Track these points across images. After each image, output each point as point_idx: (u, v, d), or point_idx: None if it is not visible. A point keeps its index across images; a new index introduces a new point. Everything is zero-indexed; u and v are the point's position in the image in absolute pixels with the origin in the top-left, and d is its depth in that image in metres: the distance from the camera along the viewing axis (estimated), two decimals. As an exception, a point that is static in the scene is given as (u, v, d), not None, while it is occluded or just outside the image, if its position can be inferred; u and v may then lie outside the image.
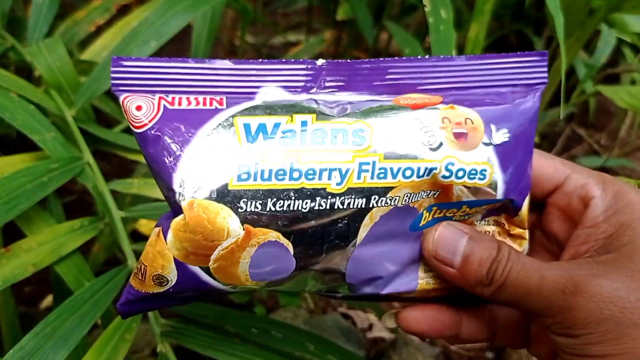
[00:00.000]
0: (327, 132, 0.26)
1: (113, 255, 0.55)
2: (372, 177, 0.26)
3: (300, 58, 0.82)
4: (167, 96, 0.26)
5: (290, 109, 0.26)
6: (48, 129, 0.44)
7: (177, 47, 0.70)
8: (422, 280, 0.29)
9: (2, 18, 0.55)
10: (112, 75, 0.26)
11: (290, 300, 0.57)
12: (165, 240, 0.26)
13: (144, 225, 0.62)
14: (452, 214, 0.28)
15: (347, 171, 0.25)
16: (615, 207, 0.27)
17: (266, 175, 0.25)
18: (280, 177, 0.25)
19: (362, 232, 0.26)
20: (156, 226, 0.27)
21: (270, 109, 0.26)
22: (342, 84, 0.28)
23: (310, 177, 0.25)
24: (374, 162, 0.26)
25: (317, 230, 0.26)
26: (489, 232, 0.29)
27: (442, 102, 0.27)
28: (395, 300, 0.30)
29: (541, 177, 0.29)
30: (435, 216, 0.28)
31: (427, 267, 0.29)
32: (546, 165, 0.29)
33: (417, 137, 0.26)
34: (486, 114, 0.27)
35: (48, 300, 0.59)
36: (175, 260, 0.26)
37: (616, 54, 0.97)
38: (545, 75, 0.29)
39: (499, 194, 0.27)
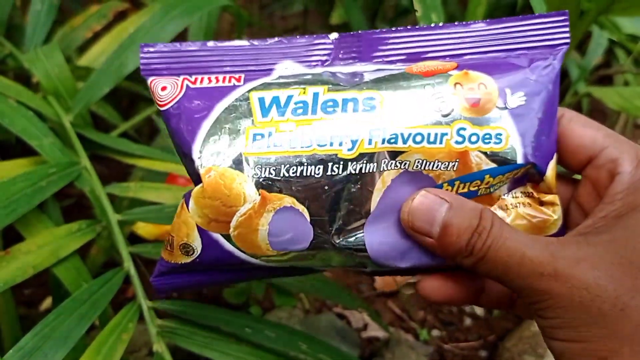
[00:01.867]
0: (338, 102, 0.27)
1: (111, 258, 0.56)
2: (382, 143, 0.26)
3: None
4: (190, 77, 0.28)
5: (304, 82, 0.28)
6: (46, 134, 0.45)
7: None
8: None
9: (1, 25, 0.56)
10: (141, 61, 0.29)
11: (285, 300, 0.58)
12: (188, 209, 0.27)
13: (141, 228, 0.63)
14: (476, 187, 0.28)
15: (357, 137, 0.26)
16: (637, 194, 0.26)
17: (279, 143, 0.26)
18: (292, 145, 0.26)
19: (375, 197, 0.27)
20: (182, 198, 0.28)
21: (284, 82, 0.28)
22: (355, 54, 0.29)
23: (321, 144, 0.26)
24: (384, 129, 0.26)
25: (331, 195, 0.27)
26: (519, 205, 0.29)
27: (455, 69, 0.27)
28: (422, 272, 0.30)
29: (577, 147, 0.28)
30: (459, 192, 0.27)
31: None
32: (585, 135, 0.28)
33: (428, 104, 0.27)
34: (500, 78, 0.27)
35: (47, 302, 0.60)
36: (198, 228, 0.27)
37: (609, 55, 0.98)
38: (567, 35, 0.28)
39: (519, 158, 0.27)
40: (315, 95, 0.27)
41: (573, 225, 0.29)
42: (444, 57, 0.28)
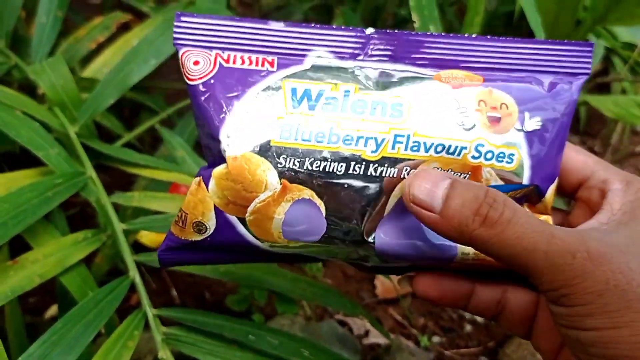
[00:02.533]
0: (367, 103, 0.27)
1: (115, 266, 0.57)
2: (405, 149, 0.27)
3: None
4: (223, 53, 0.28)
5: (336, 76, 0.28)
6: (52, 145, 0.46)
7: (176, 62, 0.72)
8: (459, 257, 0.29)
9: (6, 37, 0.57)
10: (175, 30, 0.29)
11: (287, 307, 0.58)
12: (207, 189, 0.28)
13: (145, 236, 0.64)
14: None
15: (382, 141, 0.27)
16: (635, 204, 0.27)
17: (306, 136, 0.27)
18: (319, 139, 0.27)
19: (392, 202, 0.28)
20: (196, 176, 0.28)
21: (317, 74, 0.28)
22: (388, 53, 0.29)
23: (347, 142, 0.27)
24: (408, 135, 0.27)
25: (349, 194, 0.27)
26: None
27: (481, 84, 0.28)
28: (419, 270, 0.31)
29: (570, 170, 0.30)
30: None
31: (465, 255, 0.29)
32: (577, 160, 0.30)
33: (452, 116, 0.28)
34: (522, 101, 0.28)
35: (52, 310, 0.61)
36: (215, 208, 0.28)
37: (607, 63, 0.99)
38: (589, 65, 0.29)
39: (525, 179, 0.28)
40: (347, 93, 0.28)
41: None
42: (473, 68, 0.29)
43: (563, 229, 0.25)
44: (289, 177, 0.27)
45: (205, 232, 0.29)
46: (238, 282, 0.54)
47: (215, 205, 0.28)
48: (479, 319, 0.67)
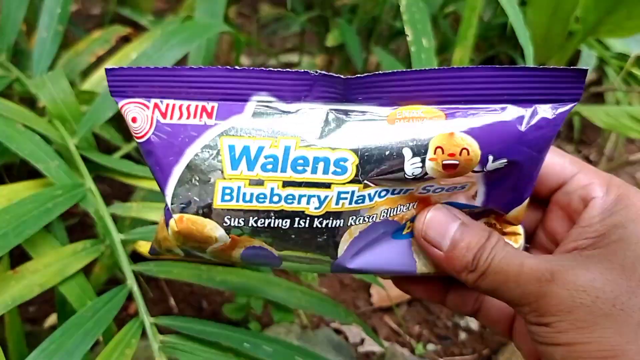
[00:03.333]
0: (309, 161, 0.27)
1: (114, 276, 0.57)
2: (350, 203, 0.27)
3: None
4: (161, 102, 0.28)
5: (277, 127, 0.27)
6: (52, 157, 0.46)
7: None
8: (420, 270, 0.30)
9: (8, 51, 0.58)
10: (109, 83, 0.28)
11: (283, 316, 0.59)
12: (168, 232, 0.29)
13: (143, 246, 0.65)
14: None
15: (325, 198, 0.27)
16: (614, 209, 0.27)
17: (247, 198, 0.27)
18: (261, 200, 0.27)
19: (342, 246, 0.28)
20: (164, 212, 0.29)
21: (257, 125, 0.27)
22: (335, 94, 0.27)
23: (289, 201, 0.27)
24: (352, 192, 0.27)
25: (298, 242, 0.28)
26: None
27: (442, 125, 0.26)
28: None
29: (547, 174, 0.29)
30: None
31: (424, 267, 0.29)
32: (554, 163, 0.29)
33: (402, 170, 0.26)
34: (487, 144, 0.26)
35: (52, 319, 0.62)
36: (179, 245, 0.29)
37: (600, 73, 1.00)
38: (580, 92, 0.26)
39: (478, 202, 0.28)
40: (287, 149, 0.27)
41: (540, 249, 0.31)
42: (433, 102, 0.26)
43: (535, 258, 0.27)
44: (236, 232, 0.28)
45: (178, 254, 0.31)
46: (234, 291, 0.55)
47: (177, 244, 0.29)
48: (473, 326, 0.68)
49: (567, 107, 0.26)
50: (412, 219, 0.29)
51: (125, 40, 0.68)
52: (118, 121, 0.70)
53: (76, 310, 0.41)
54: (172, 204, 0.28)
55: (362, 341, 0.65)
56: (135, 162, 0.56)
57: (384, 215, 0.28)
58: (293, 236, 0.28)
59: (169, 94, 0.28)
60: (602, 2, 0.66)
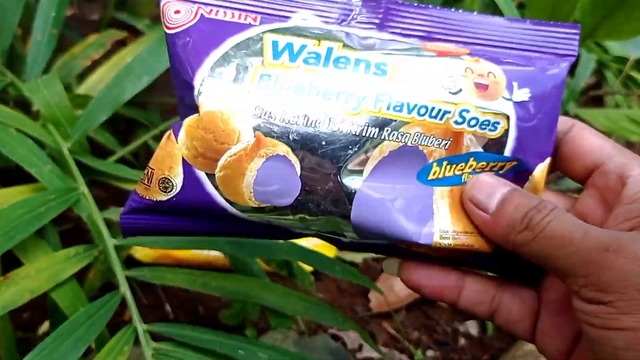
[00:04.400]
0: (350, 60, 0.27)
1: (108, 282, 0.57)
2: (387, 108, 0.26)
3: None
4: (205, 7, 0.28)
5: (320, 34, 0.28)
6: (45, 161, 0.46)
7: (168, 77, 0.73)
8: (437, 238, 0.28)
9: (2, 55, 0.58)
10: None
11: (281, 321, 0.58)
12: (177, 140, 0.27)
13: (139, 252, 0.64)
14: (460, 171, 0.28)
15: (364, 98, 0.26)
16: None
17: (285, 87, 0.26)
18: (298, 92, 0.26)
19: (370, 165, 0.27)
20: (169, 130, 0.27)
21: (300, 31, 0.28)
22: (375, 22, 0.29)
23: (327, 97, 0.26)
24: (391, 95, 0.26)
25: (327, 152, 0.26)
26: None
27: (468, 54, 0.28)
28: (401, 254, 0.30)
29: (584, 153, 0.28)
30: (446, 174, 0.28)
31: (444, 233, 0.28)
32: (594, 143, 0.28)
33: (437, 79, 0.27)
34: (510, 72, 0.28)
35: (45, 325, 0.61)
36: (184, 162, 0.27)
37: (599, 77, 1.00)
38: (576, 47, 0.29)
39: (508, 150, 0.28)
40: (329, 49, 0.27)
41: None
42: (460, 42, 0.29)
43: (599, 229, 0.24)
44: (264, 129, 0.26)
45: (171, 190, 0.27)
46: (230, 297, 0.55)
47: (183, 159, 0.26)
48: (473, 332, 0.68)
49: (570, 60, 0.29)
50: (440, 162, 0.27)
51: (121, 44, 0.68)
52: (115, 125, 0.70)
53: (68, 317, 0.40)
54: (201, 85, 0.26)
55: (361, 347, 0.64)
56: (130, 166, 0.56)
57: (416, 140, 0.27)
58: (324, 143, 0.26)
59: (215, 1, 0.28)
60: (601, 5, 0.65)
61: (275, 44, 0.27)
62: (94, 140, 0.59)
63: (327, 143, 0.26)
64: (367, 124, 0.26)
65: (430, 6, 0.29)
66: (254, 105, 0.26)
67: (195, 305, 0.67)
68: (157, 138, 0.62)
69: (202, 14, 0.28)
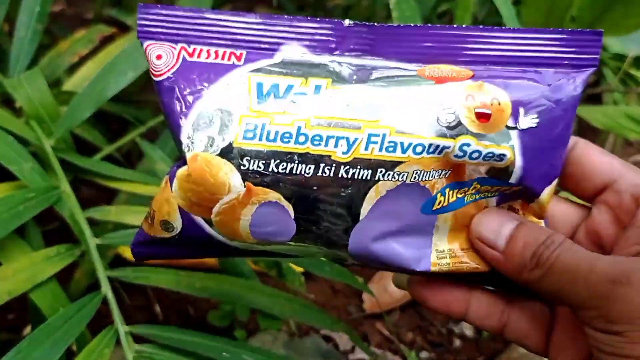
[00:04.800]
0: (339, 99, 0.25)
1: (95, 282, 0.56)
2: (380, 150, 0.25)
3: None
4: (188, 47, 0.27)
5: (307, 71, 0.26)
6: (26, 159, 0.45)
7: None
8: (434, 267, 0.28)
9: (-13, 51, 0.57)
10: (139, 22, 0.27)
11: (271, 323, 0.57)
12: (172, 189, 0.26)
13: (128, 251, 0.63)
14: (462, 194, 0.27)
15: (354, 141, 0.25)
16: None
17: (272, 137, 0.25)
18: (285, 140, 0.25)
19: (367, 205, 0.26)
20: (167, 174, 0.27)
21: (286, 68, 0.26)
22: (367, 46, 0.27)
23: (316, 142, 0.25)
24: (384, 135, 0.25)
25: (320, 197, 0.26)
26: None
27: (471, 78, 0.26)
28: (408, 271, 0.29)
29: (593, 171, 0.28)
30: (450, 200, 0.27)
31: (440, 253, 0.28)
32: (601, 161, 0.28)
33: (434, 113, 0.25)
34: (517, 96, 0.26)
35: (30, 327, 0.60)
36: (180, 209, 0.27)
37: (597, 74, 0.99)
38: (597, 57, 0.26)
39: (514, 178, 0.26)
40: (317, 88, 0.26)
41: None
42: (462, 62, 0.27)
43: (606, 258, 0.25)
44: (254, 179, 0.25)
45: (172, 230, 0.27)
46: (217, 298, 0.53)
47: (179, 206, 0.27)
48: (468, 333, 0.66)
49: (589, 71, 0.26)
50: (443, 191, 0.27)
51: (111, 40, 0.67)
52: (107, 123, 0.69)
53: (48, 319, 0.39)
54: (188, 139, 0.26)
55: (353, 349, 0.63)
56: (117, 164, 0.54)
57: (415, 177, 0.26)
58: (315, 188, 0.26)
59: (197, 38, 0.27)
60: (599, 1, 0.64)
61: (260, 86, 0.26)
62: (82, 138, 0.57)
63: (318, 188, 0.26)
64: (359, 167, 0.25)
65: (428, 25, 0.27)
66: (240, 157, 0.25)
67: (185, 306, 0.66)
68: (145, 136, 0.61)
69: (184, 58, 0.27)
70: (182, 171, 0.26)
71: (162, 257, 0.30)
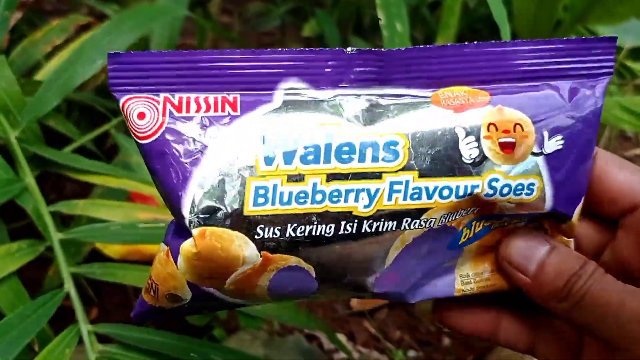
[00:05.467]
0: (354, 147, 0.23)
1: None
2: (404, 199, 0.23)
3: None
4: (172, 96, 0.23)
5: (313, 117, 0.23)
6: (-13, 150, 0.43)
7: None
8: (458, 293, 0.27)
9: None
10: (110, 74, 0.23)
11: (251, 322, 0.55)
12: (176, 264, 0.23)
13: (107, 248, 0.61)
14: (489, 223, 0.26)
15: (376, 192, 0.23)
16: None
17: (285, 199, 0.22)
18: (301, 201, 0.23)
19: (392, 255, 0.24)
20: (164, 243, 0.24)
21: (289, 117, 0.23)
22: (374, 75, 0.24)
23: (335, 199, 0.23)
24: (407, 182, 0.23)
25: (342, 254, 0.24)
26: None
27: (489, 103, 0.24)
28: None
29: (616, 194, 0.26)
30: (476, 231, 0.26)
31: (464, 278, 0.27)
32: (624, 182, 0.26)
33: (457, 150, 0.23)
34: (539, 118, 0.24)
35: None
36: (189, 282, 0.24)
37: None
38: (612, 64, 0.25)
39: (547, 207, 0.25)
40: (329, 136, 0.23)
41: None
42: (477, 82, 0.24)
43: (636, 294, 0.23)
44: (270, 247, 0.23)
45: (181, 301, 0.25)
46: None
47: (188, 280, 0.24)
48: (457, 332, 0.65)
49: (606, 79, 0.25)
50: (469, 224, 0.25)
51: (87, 29, 0.65)
52: (89, 115, 0.66)
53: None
54: (191, 213, 0.22)
55: (337, 348, 0.61)
56: (90, 157, 0.52)
57: (442, 221, 0.24)
58: (337, 247, 0.23)
59: (180, 85, 0.23)
60: (591, -13, 0.63)
61: (265, 140, 0.23)
62: (52, 129, 0.55)
63: (341, 247, 0.23)
64: (383, 220, 0.23)
65: (434, 46, 0.24)
66: (253, 226, 0.23)
67: (165, 304, 0.64)
68: (118, 127, 0.59)
69: (171, 113, 0.23)
70: (188, 247, 0.23)
71: (167, 320, 0.28)
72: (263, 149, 0.23)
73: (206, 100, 0.23)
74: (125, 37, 0.47)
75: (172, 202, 0.23)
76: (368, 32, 0.85)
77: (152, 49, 0.58)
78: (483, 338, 0.28)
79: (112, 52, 0.23)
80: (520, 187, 0.24)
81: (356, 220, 0.23)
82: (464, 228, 0.25)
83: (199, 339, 0.37)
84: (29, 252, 0.41)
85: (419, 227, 0.24)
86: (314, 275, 0.24)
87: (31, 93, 0.51)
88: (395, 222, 0.23)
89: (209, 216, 0.22)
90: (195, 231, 0.22)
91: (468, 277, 0.27)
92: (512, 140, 0.24)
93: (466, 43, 0.24)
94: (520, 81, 0.24)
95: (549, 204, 0.24)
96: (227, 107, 0.23)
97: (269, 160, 0.23)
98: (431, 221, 0.24)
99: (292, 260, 0.23)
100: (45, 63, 0.60)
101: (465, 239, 0.26)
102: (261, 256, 0.23)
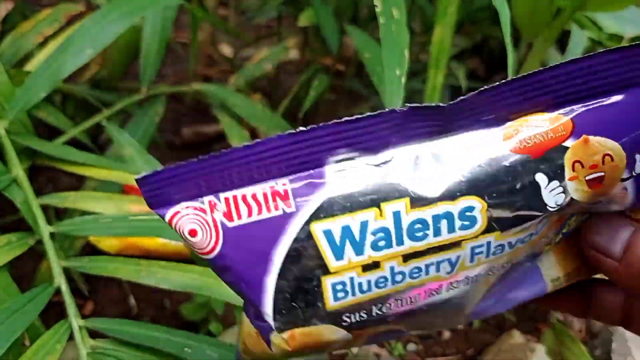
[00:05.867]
0: (427, 223, 0.21)
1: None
2: (487, 256, 0.22)
3: (264, 66, 0.80)
4: (218, 199, 0.21)
5: (375, 194, 0.21)
6: (-26, 142, 0.42)
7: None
8: (550, 289, 0.26)
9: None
10: (144, 193, 0.21)
11: (248, 315, 0.54)
12: (270, 348, 0.23)
13: (102, 242, 0.60)
14: (566, 229, 0.25)
15: (457, 259, 0.22)
16: None
17: (365, 287, 0.22)
18: (381, 285, 0.22)
19: (477, 296, 0.24)
20: (253, 325, 0.23)
21: (349, 200, 0.21)
22: (432, 129, 0.22)
23: (415, 275, 0.22)
24: (488, 243, 0.22)
25: (429, 312, 0.23)
26: None
27: (571, 135, 0.21)
28: None
29: None
30: (555, 241, 0.25)
31: (555, 281, 0.26)
32: None
33: (541, 200, 0.21)
34: (628, 141, 0.21)
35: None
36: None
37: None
38: None
39: (627, 203, 0.23)
40: (397, 216, 0.21)
41: None
42: (553, 105, 0.22)
43: None
44: (359, 327, 0.23)
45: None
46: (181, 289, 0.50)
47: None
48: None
49: None
50: (550, 241, 0.25)
51: (78, 19, 0.64)
52: (88, 108, 0.65)
53: (-5, 312, 0.36)
54: (275, 321, 0.22)
55: (336, 341, 0.60)
56: (83, 149, 0.51)
57: (524, 255, 0.24)
58: (425, 308, 0.23)
59: (224, 184, 0.21)
60: (591, -26, 0.61)
61: (329, 236, 0.21)
62: (43, 120, 0.54)
63: (427, 307, 0.23)
64: (466, 279, 0.23)
65: (499, 84, 0.21)
66: (339, 318, 0.22)
67: (161, 298, 0.63)
68: (110, 118, 0.58)
69: (223, 225, 0.21)
70: (280, 343, 0.23)
71: None
72: (330, 245, 0.21)
73: (254, 197, 0.21)
74: (115, 26, 0.46)
75: (254, 309, 0.22)
76: (365, 21, 0.84)
77: (144, 40, 0.57)
78: (575, 315, 0.28)
79: (139, 177, 0.21)
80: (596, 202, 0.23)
81: (441, 286, 0.23)
82: (545, 246, 0.25)
83: (194, 334, 0.36)
84: (19, 245, 0.40)
85: (504, 268, 0.23)
86: (405, 331, 0.24)
87: (21, 84, 0.50)
88: (480, 274, 0.23)
89: (294, 319, 0.22)
90: (285, 335, 0.22)
91: (559, 279, 0.26)
92: (601, 174, 0.21)
93: (535, 70, 0.21)
94: (597, 97, 0.22)
95: (628, 205, 0.23)
96: (280, 202, 0.21)
97: (339, 256, 0.21)
98: (516, 260, 0.24)
99: (383, 328, 0.24)
100: (36, 54, 0.60)
101: (545, 253, 0.25)
102: (352, 334, 0.23)
